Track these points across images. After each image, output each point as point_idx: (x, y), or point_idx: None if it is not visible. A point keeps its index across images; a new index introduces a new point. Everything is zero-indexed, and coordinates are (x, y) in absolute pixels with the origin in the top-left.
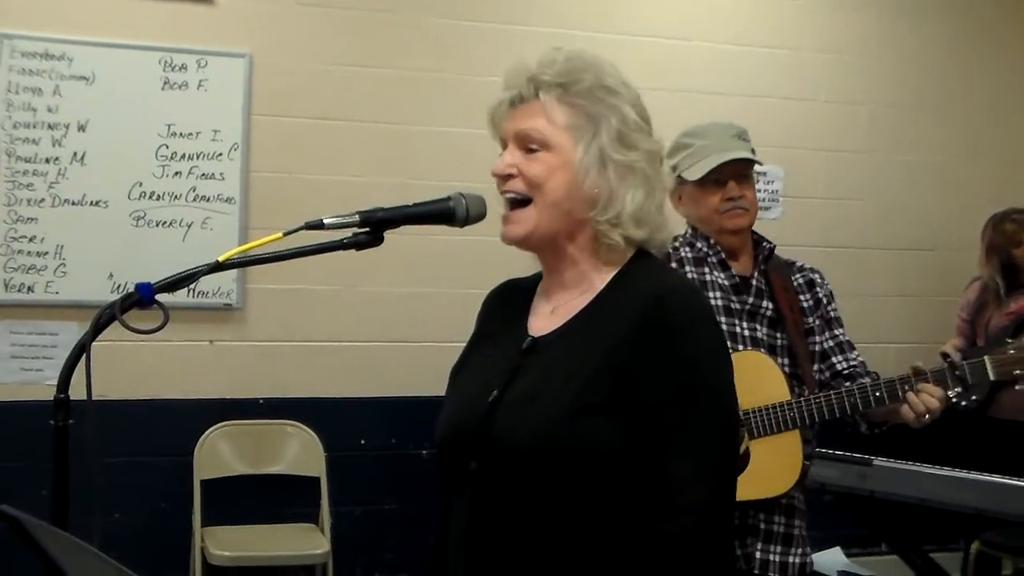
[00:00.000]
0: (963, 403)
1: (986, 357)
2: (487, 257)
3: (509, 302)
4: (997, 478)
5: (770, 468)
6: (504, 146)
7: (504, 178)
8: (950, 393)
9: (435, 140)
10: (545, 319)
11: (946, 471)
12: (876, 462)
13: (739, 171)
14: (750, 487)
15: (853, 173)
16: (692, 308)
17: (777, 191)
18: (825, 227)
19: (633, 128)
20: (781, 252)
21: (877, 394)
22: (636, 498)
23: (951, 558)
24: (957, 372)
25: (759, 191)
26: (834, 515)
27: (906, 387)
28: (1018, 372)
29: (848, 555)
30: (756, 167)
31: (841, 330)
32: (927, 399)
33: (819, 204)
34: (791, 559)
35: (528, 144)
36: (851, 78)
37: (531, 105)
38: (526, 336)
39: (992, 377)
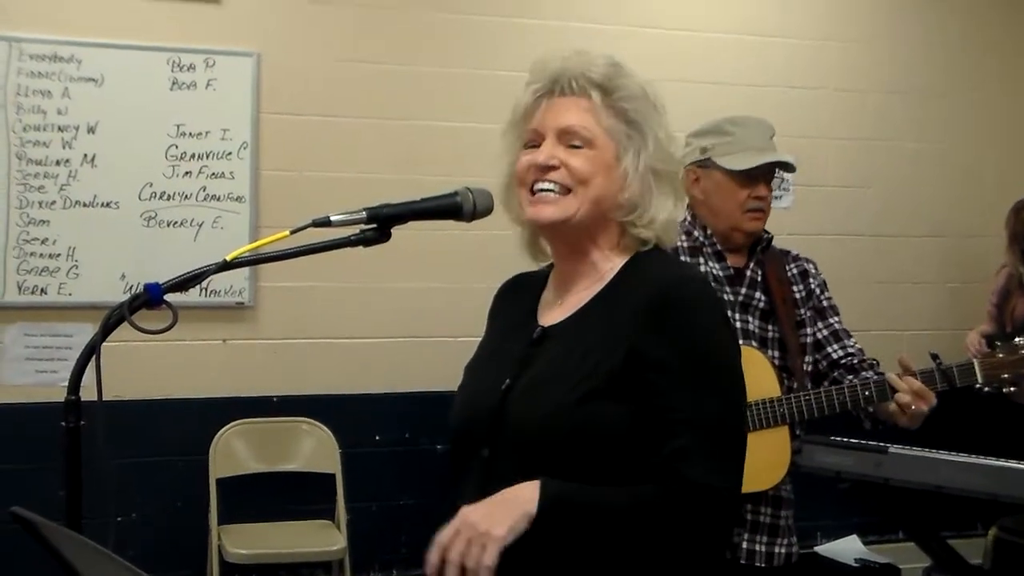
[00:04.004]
0: (986, 388)
1: (975, 361)
2: (498, 252)
3: (519, 295)
4: (1015, 464)
5: (758, 463)
6: (528, 138)
7: (545, 169)
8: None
9: (443, 135)
10: (555, 309)
11: (963, 457)
12: (892, 449)
13: (770, 173)
14: None
15: (862, 161)
16: (700, 293)
17: (788, 180)
18: (836, 215)
19: (669, 142)
20: (789, 241)
21: (867, 393)
22: (645, 481)
23: (969, 544)
24: (946, 375)
25: None
26: (850, 503)
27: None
28: (1006, 376)
29: (865, 543)
30: None
31: (836, 318)
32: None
33: (830, 192)
34: (777, 549)
35: (571, 140)
36: (859, 66)
37: (576, 100)
38: (536, 326)
39: (980, 382)
